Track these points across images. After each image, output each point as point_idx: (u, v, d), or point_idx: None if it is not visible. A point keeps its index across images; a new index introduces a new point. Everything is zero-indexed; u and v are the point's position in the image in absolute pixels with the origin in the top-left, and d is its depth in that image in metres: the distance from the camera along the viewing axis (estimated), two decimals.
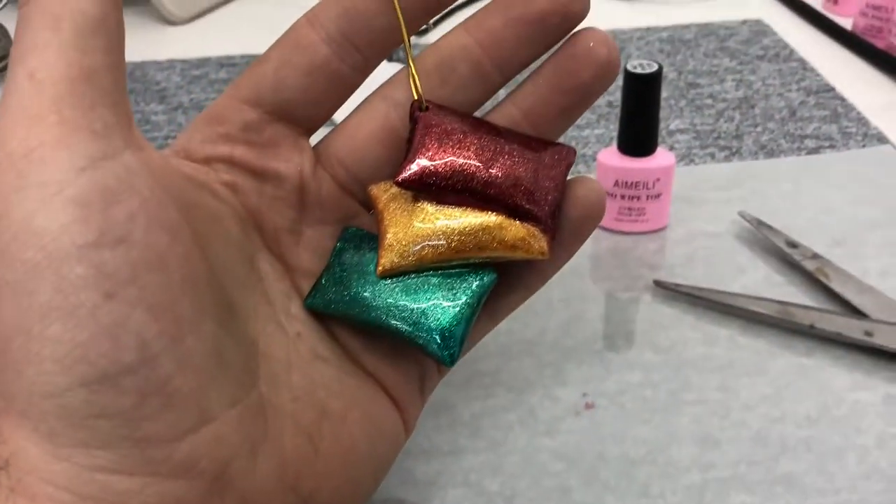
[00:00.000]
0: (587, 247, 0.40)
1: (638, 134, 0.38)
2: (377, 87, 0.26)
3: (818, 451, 0.29)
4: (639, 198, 0.39)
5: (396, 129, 0.24)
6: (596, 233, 0.40)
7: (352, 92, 0.25)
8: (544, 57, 0.25)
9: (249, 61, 0.59)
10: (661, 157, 0.39)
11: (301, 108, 0.24)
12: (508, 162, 0.23)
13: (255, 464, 0.20)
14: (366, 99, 0.25)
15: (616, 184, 0.39)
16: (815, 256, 0.37)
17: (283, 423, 0.22)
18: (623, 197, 0.39)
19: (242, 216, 0.23)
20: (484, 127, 0.24)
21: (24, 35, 0.19)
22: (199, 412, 0.19)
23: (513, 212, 0.24)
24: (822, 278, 0.36)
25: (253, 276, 0.23)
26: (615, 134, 0.48)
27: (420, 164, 0.23)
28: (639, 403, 0.32)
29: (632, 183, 0.39)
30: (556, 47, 0.24)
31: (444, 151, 0.23)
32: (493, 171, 0.23)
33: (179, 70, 0.60)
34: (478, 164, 0.23)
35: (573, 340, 0.35)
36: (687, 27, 0.62)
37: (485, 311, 0.26)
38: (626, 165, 0.38)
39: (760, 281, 0.37)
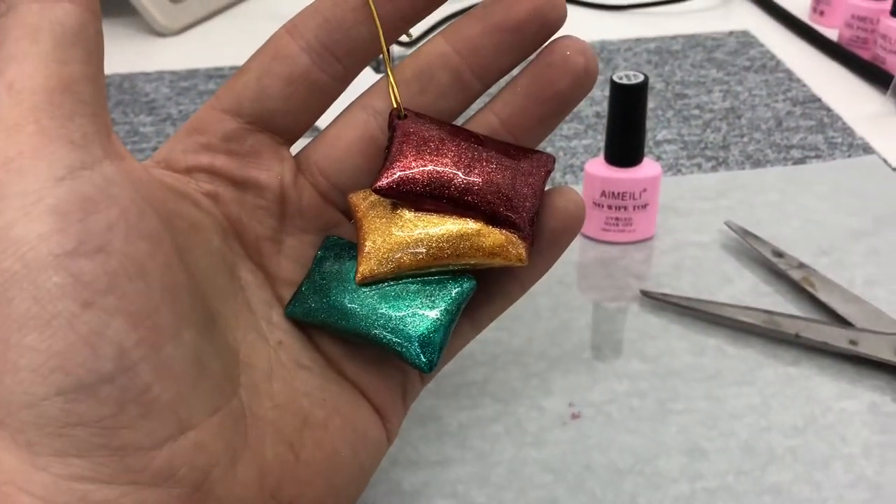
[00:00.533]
0: (574, 256, 0.40)
1: (624, 144, 0.38)
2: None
3: (805, 461, 0.29)
4: (626, 208, 0.39)
5: (376, 137, 0.24)
6: (583, 243, 0.40)
7: (332, 101, 0.25)
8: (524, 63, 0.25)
9: None
10: (648, 167, 0.39)
11: (281, 118, 0.24)
12: (486, 169, 0.23)
13: (236, 471, 0.20)
14: (346, 108, 0.25)
15: (603, 194, 0.39)
16: (801, 266, 0.37)
17: (263, 431, 0.21)
18: (610, 207, 0.39)
19: (223, 225, 0.23)
20: (462, 134, 0.24)
21: (2, 46, 0.19)
22: (178, 420, 0.19)
23: (491, 219, 0.23)
24: (808, 288, 0.36)
25: (234, 285, 0.23)
26: (603, 144, 0.49)
27: (398, 171, 0.23)
28: (626, 413, 0.32)
29: (618, 193, 0.39)
30: (534, 55, 0.24)
31: (422, 159, 0.23)
32: (471, 178, 0.23)
33: (168, 81, 0.60)
34: (455, 171, 0.23)
35: (560, 350, 0.35)
36: (674, 38, 0.62)
37: (467, 319, 0.26)
38: (613, 175, 0.38)
39: (747, 290, 0.37)
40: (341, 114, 0.25)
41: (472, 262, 0.24)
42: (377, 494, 0.29)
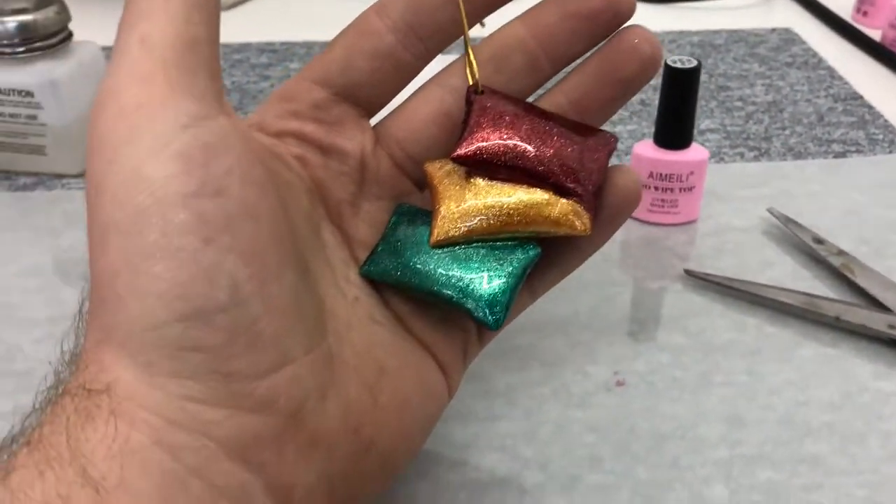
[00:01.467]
0: (620, 235, 0.41)
1: (675, 127, 0.39)
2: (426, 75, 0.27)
3: (841, 434, 0.31)
4: (672, 190, 0.40)
5: (451, 113, 0.26)
6: (629, 223, 0.42)
7: (412, 78, 0.26)
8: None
9: (289, 48, 0.61)
10: (696, 151, 0.40)
11: (365, 91, 0.25)
12: (556, 143, 0.25)
13: (325, 407, 0.22)
14: (423, 85, 0.27)
15: (650, 175, 0.40)
16: (841, 253, 0.38)
17: (347, 374, 0.23)
18: (657, 188, 0.40)
19: (310, 187, 0.25)
20: (534, 111, 0.26)
21: (135, 3, 0.21)
22: (279, 353, 0.21)
23: (558, 190, 0.25)
24: (848, 274, 0.37)
25: (318, 242, 0.25)
26: (647, 130, 0.50)
27: (476, 142, 0.25)
28: (668, 382, 0.33)
29: (666, 175, 0.40)
30: (602, 42, 0.26)
31: (498, 131, 0.25)
32: (542, 150, 0.25)
33: (222, 54, 0.61)
34: (528, 144, 0.25)
35: (605, 322, 0.36)
36: (717, 33, 0.63)
37: (525, 286, 0.27)
38: (661, 157, 0.40)
39: (787, 274, 0.38)
40: (418, 90, 0.27)
41: (540, 230, 0.25)
42: (430, 445, 0.31)
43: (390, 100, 0.26)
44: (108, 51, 0.55)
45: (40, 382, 0.33)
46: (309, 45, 0.62)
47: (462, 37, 0.25)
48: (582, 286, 0.38)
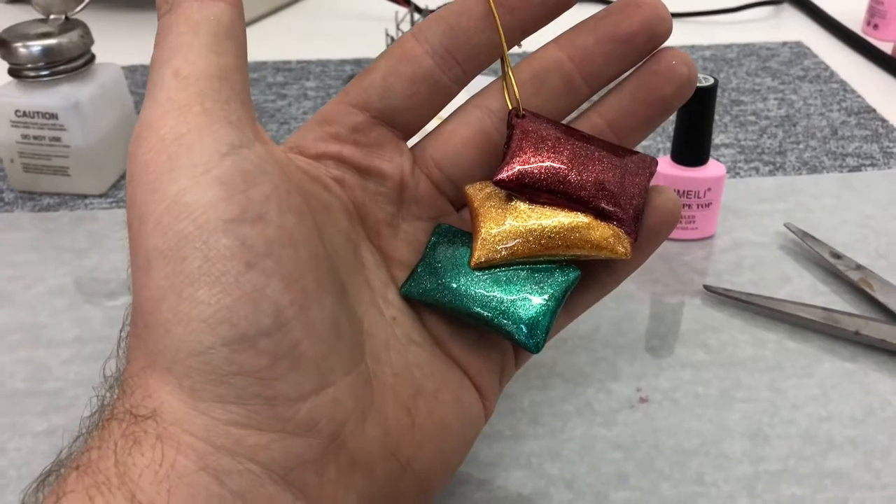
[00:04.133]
0: None
1: (692, 144, 0.40)
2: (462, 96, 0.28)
3: (865, 449, 0.31)
4: (689, 206, 0.41)
5: (490, 134, 0.27)
6: None
7: (449, 101, 0.27)
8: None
9: (305, 67, 0.62)
10: (713, 167, 0.40)
11: (403, 114, 0.26)
12: (598, 167, 0.25)
13: (365, 428, 0.22)
14: (460, 107, 0.27)
15: None
16: (860, 267, 0.39)
17: (385, 395, 0.23)
18: None
19: (349, 208, 0.25)
20: (575, 134, 0.26)
21: (166, 38, 0.22)
22: (320, 376, 0.21)
23: (599, 214, 0.25)
24: (867, 288, 0.37)
25: (357, 262, 0.25)
26: (661, 146, 0.50)
27: (517, 165, 0.25)
28: (691, 399, 0.33)
29: (683, 191, 0.40)
30: (639, 64, 0.26)
31: (540, 155, 0.25)
32: (584, 175, 0.25)
33: None
34: (570, 168, 0.25)
35: (626, 338, 0.37)
36: (728, 47, 0.64)
37: (563, 307, 0.27)
38: (679, 174, 0.40)
39: (805, 289, 0.39)
40: (456, 111, 0.27)
41: (580, 254, 0.25)
42: None
43: (427, 122, 0.27)
44: (128, 71, 0.55)
45: (72, 404, 0.34)
46: (324, 64, 0.62)
47: (497, 59, 0.26)
48: (601, 301, 0.38)
